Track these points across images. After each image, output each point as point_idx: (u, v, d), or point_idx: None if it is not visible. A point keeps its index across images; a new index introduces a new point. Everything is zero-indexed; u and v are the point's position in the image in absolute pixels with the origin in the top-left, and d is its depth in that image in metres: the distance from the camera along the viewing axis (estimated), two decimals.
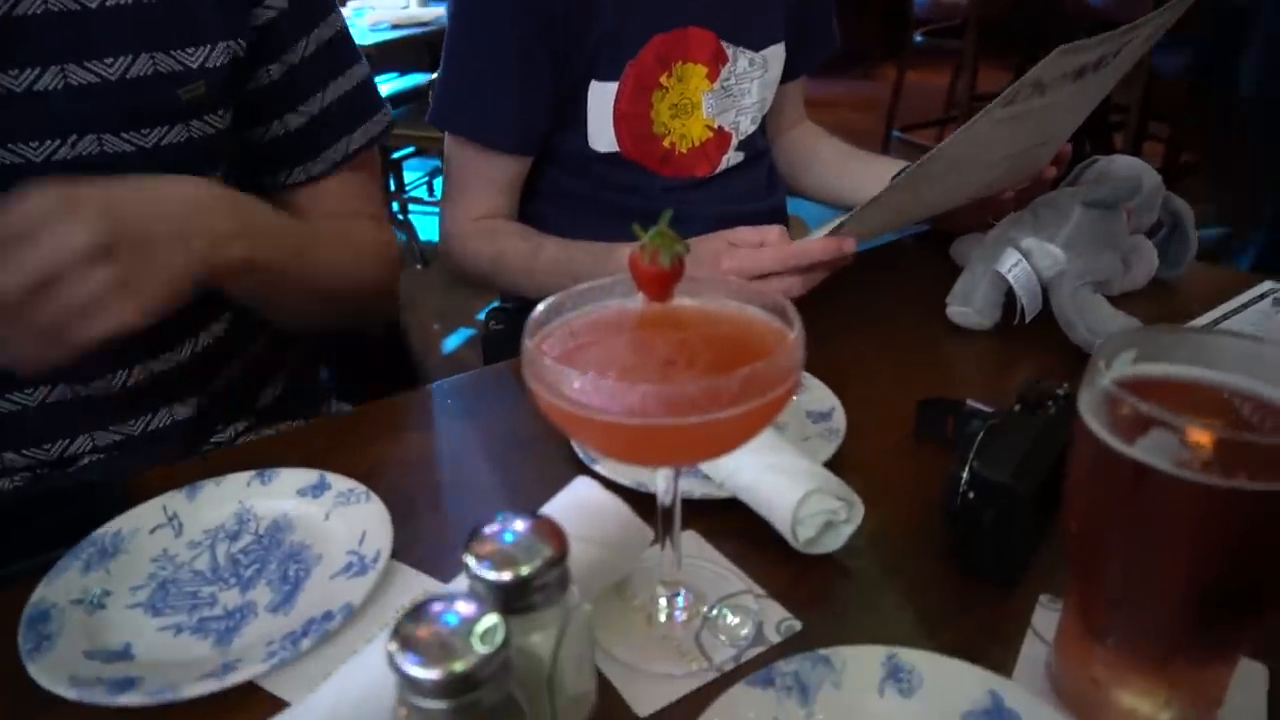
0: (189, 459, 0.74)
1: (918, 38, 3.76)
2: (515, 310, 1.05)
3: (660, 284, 0.44)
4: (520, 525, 0.39)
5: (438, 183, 3.71)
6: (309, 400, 0.88)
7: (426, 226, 3.43)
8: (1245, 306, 0.80)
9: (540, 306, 0.44)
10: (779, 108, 1.08)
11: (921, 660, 0.42)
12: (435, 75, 1.10)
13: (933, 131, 3.95)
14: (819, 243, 0.71)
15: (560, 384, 0.38)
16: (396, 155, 3.52)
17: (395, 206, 3.43)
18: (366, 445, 0.66)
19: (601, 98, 0.92)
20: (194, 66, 0.66)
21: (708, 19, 0.93)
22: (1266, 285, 0.83)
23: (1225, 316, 0.79)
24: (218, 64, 0.67)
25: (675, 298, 0.45)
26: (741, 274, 0.72)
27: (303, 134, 0.76)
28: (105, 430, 0.71)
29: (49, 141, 0.61)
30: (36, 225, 0.50)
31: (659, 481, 0.45)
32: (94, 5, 0.61)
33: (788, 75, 1.06)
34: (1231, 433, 0.34)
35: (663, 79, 0.93)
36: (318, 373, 0.93)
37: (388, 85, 3.48)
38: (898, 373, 0.74)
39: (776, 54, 1.02)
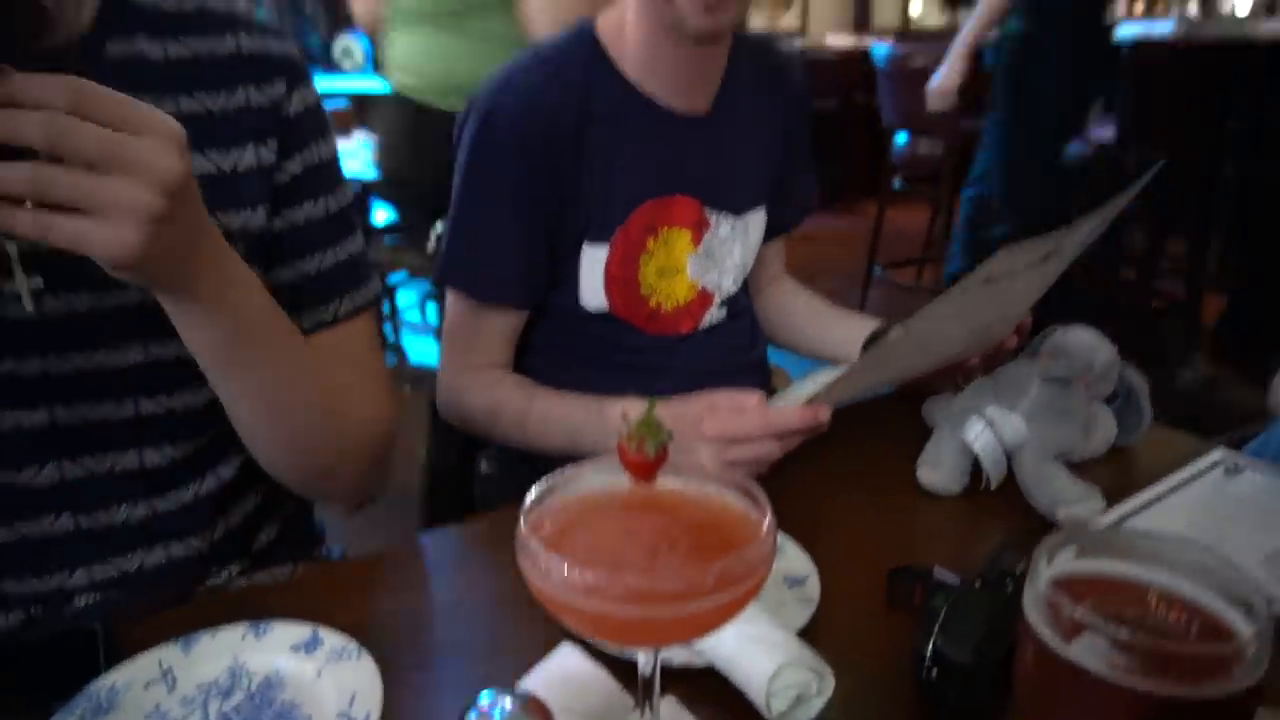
0: (184, 599, 0.76)
1: (896, 183, 3.96)
2: (508, 455, 1.09)
3: (645, 470, 0.49)
4: (509, 703, 0.41)
5: (430, 306, 3.80)
6: (303, 544, 0.91)
7: (417, 349, 3.50)
8: (1198, 476, 0.85)
9: (534, 491, 0.47)
10: (759, 265, 1.15)
11: None
12: (440, 232, 1.17)
13: (912, 269, 4.11)
14: (796, 412, 0.76)
15: (550, 571, 0.42)
16: (391, 280, 3.62)
17: (388, 329, 3.51)
18: (359, 596, 0.68)
19: (593, 260, 0.98)
20: (235, 229, 0.71)
21: (692, 187, 1.01)
22: (1217, 454, 0.88)
23: (1180, 485, 0.83)
24: (256, 225, 0.73)
25: (659, 479, 0.49)
26: (721, 438, 0.77)
27: (290, 289, 0.76)
28: (104, 563, 0.73)
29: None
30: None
31: (640, 655, 0.48)
32: None
33: (768, 235, 1.14)
34: (1158, 639, 0.38)
35: (650, 243, 1.00)
36: (312, 516, 0.95)
37: (383, 213, 3.62)
38: (871, 535, 0.77)
39: (757, 218, 1.09)
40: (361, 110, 4.14)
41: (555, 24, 1.77)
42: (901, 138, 3.84)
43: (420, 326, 3.81)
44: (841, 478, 0.86)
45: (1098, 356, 0.88)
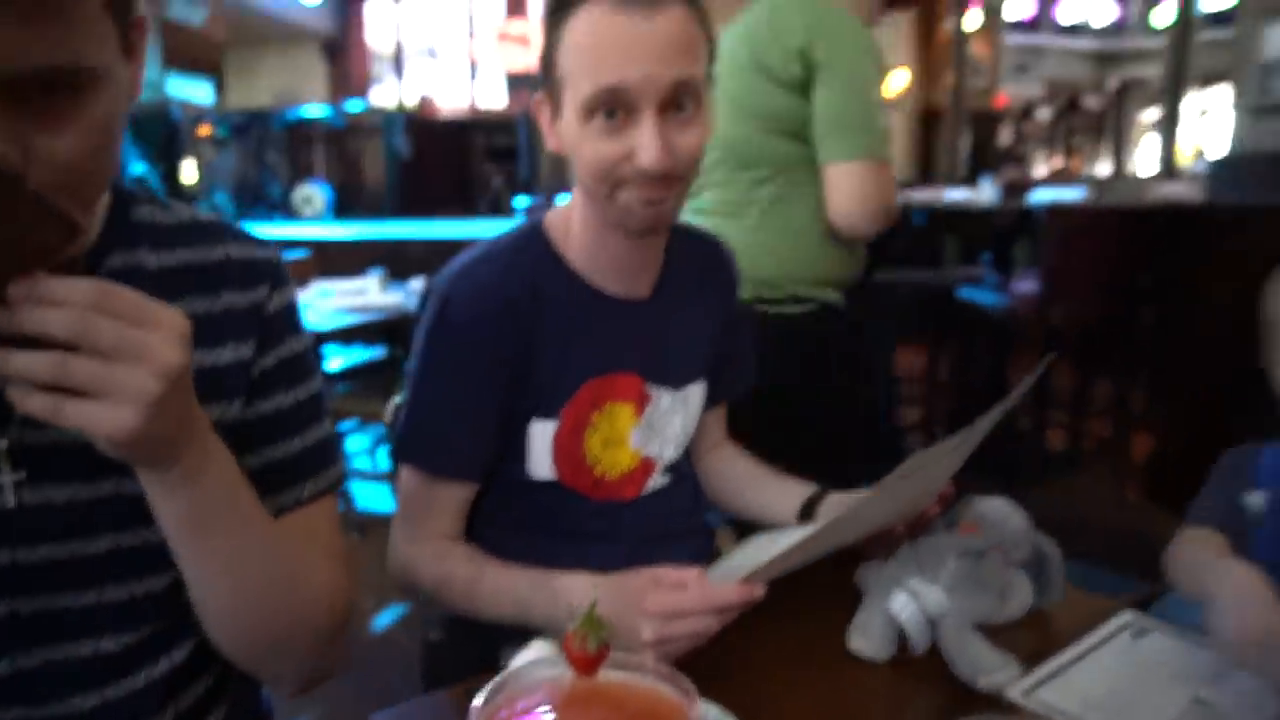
0: None
1: None
2: (457, 622, 1.11)
3: (588, 665, 0.54)
4: None
5: (381, 452, 3.81)
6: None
7: (366, 496, 3.48)
8: (1108, 639, 0.91)
9: (482, 695, 0.51)
10: (700, 433, 1.22)
11: None
12: (398, 402, 1.22)
13: None
14: (734, 590, 0.81)
15: None
16: (341, 427, 3.64)
17: None
18: None
19: (542, 434, 1.05)
20: (214, 419, 0.71)
21: (634, 365, 1.09)
22: (1126, 617, 0.95)
23: (1091, 649, 0.89)
24: (232, 416, 0.78)
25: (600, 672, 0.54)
26: (662, 614, 0.81)
27: (259, 474, 0.78)
28: None
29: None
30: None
31: None
32: None
33: (709, 405, 1.21)
34: None
35: (594, 417, 1.07)
36: (260, 693, 0.96)
37: (339, 359, 3.67)
38: (807, 704, 0.81)
39: (697, 390, 1.17)
40: (321, 259, 4.25)
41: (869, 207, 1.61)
42: None
43: (370, 473, 3.80)
44: (778, 646, 0.90)
45: (1010, 525, 0.95)
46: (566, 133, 0.98)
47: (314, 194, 8.01)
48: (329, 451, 0.86)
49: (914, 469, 0.78)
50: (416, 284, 3.50)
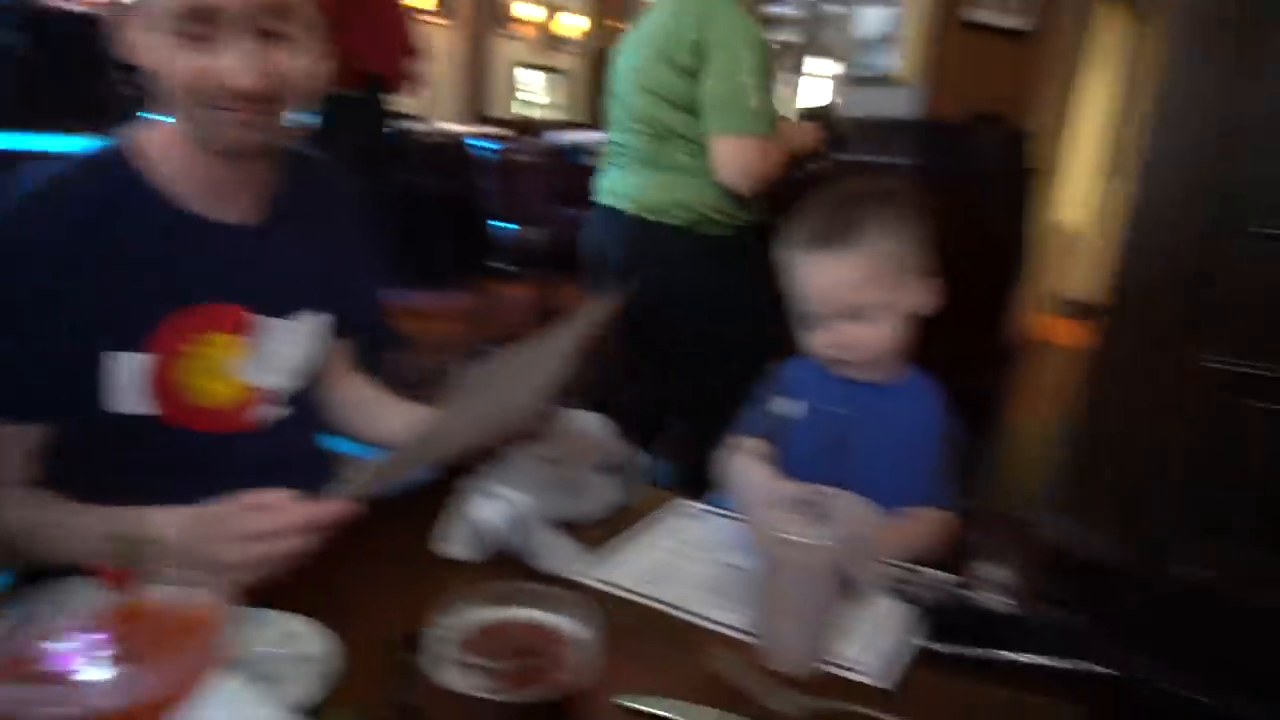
0: None
1: (503, 266, 4.24)
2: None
3: (119, 580, 0.56)
4: None
5: None
6: None
7: None
8: (658, 523, 1.08)
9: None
10: (328, 364, 1.23)
11: None
12: None
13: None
14: (326, 507, 0.85)
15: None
16: None
17: None
18: None
19: (127, 366, 0.99)
20: None
21: (233, 294, 1.06)
22: (674, 504, 1.13)
23: (644, 531, 1.06)
24: None
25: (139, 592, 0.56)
26: (243, 536, 0.83)
27: None
28: None
29: None
30: None
31: None
32: None
33: (340, 334, 1.22)
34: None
35: (188, 347, 1.03)
36: None
37: None
38: (393, 607, 0.88)
39: (314, 320, 1.17)
40: None
41: (744, 174, 1.99)
42: (508, 225, 4.14)
43: None
44: (371, 558, 0.95)
45: (593, 434, 1.09)
46: (148, 46, 0.93)
47: None
48: None
49: (479, 383, 0.86)
50: None
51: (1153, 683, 1.24)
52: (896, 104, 3.60)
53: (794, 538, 0.78)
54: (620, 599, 0.92)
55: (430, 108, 7.46)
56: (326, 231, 1.18)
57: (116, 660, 0.51)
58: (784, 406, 1.23)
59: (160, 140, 1.01)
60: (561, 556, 0.95)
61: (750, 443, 1.23)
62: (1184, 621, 1.30)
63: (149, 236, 0.99)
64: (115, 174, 0.99)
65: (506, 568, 0.95)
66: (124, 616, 0.55)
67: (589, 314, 1.00)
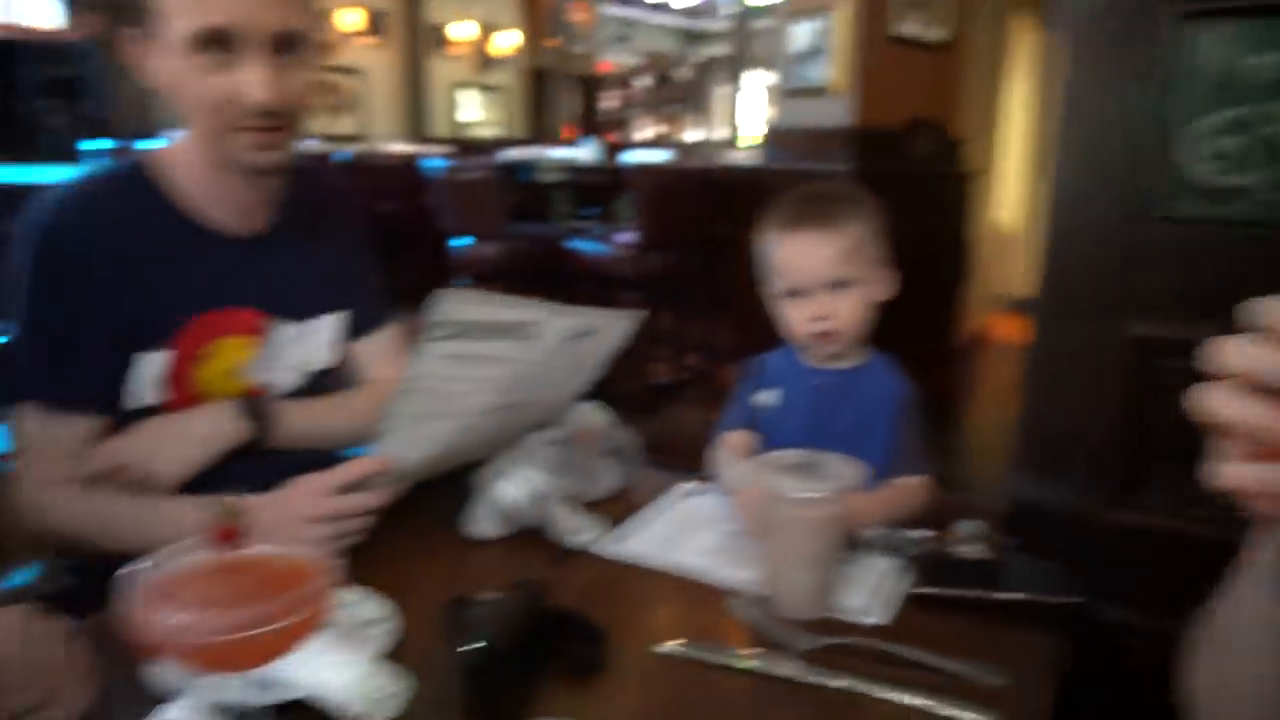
0: None
1: (465, 280, 4.29)
2: (89, 568, 1.08)
3: (226, 537, 0.62)
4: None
5: None
6: None
7: None
8: (668, 502, 1.17)
9: (129, 567, 0.58)
10: (356, 363, 1.29)
11: None
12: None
13: None
14: (364, 461, 0.94)
15: (161, 623, 0.53)
16: None
17: None
18: None
19: (151, 365, 1.06)
20: None
21: (248, 299, 1.12)
22: (684, 485, 1.22)
23: (656, 509, 1.14)
24: None
25: (241, 549, 0.63)
26: (315, 517, 0.92)
27: None
28: None
29: None
30: None
31: (247, 689, 0.61)
32: None
33: (354, 337, 1.27)
34: None
35: (204, 349, 1.09)
36: None
37: None
38: (436, 578, 0.95)
39: (328, 321, 1.22)
40: None
41: None
42: (462, 241, 4.19)
43: None
44: (406, 540, 1.03)
45: (593, 421, 1.17)
46: (166, 69, 0.99)
47: None
48: None
49: (443, 315, 0.93)
50: None
51: (1101, 610, 1.40)
52: (832, 113, 3.77)
53: (797, 495, 0.87)
54: (639, 568, 1.00)
55: (367, 128, 7.46)
56: (329, 236, 1.25)
57: (240, 600, 0.57)
58: (763, 397, 1.32)
59: (177, 157, 1.07)
60: (576, 528, 1.02)
61: (734, 435, 1.31)
62: (1127, 557, 1.47)
63: (169, 247, 1.05)
64: (136, 188, 1.05)
65: (528, 543, 1.03)
66: (237, 566, 0.62)
67: (620, 327, 1.09)
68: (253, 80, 0.97)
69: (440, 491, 1.05)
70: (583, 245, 4.06)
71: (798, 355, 1.31)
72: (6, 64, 7.42)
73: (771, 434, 1.31)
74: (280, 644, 0.58)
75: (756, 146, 5.76)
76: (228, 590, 0.59)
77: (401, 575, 0.93)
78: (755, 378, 1.35)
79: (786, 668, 0.80)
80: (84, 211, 1.01)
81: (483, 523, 1.02)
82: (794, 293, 1.26)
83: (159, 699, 0.71)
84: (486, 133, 8.48)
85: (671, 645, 0.83)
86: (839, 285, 1.22)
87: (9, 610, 0.70)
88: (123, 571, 0.57)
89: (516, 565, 1.01)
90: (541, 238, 4.16)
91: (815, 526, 0.88)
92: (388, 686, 0.71)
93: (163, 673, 0.73)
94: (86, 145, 5.94)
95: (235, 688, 0.69)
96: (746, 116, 7.14)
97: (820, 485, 0.88)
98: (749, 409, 1.33)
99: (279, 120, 1.01)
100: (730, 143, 6.35)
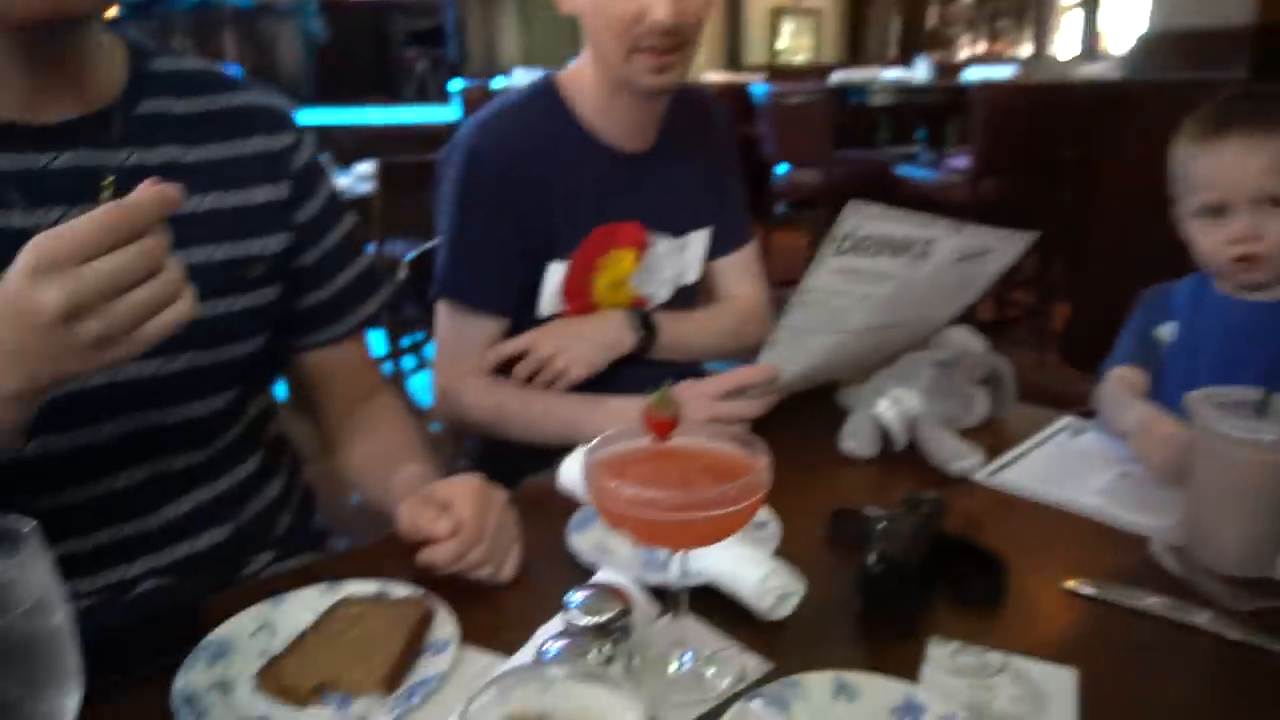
0: (234, 578, 0.89)
1: (781, 208, 4.28)
2: (485, 455, 1.24)
3: (664, 429, 0.66)
4: (591, 591, 0.57)
5: None
6: (312, 538, 1.03)
7: None
8: (1052, 435, 1.08)
9: (582, 451, 0.64)
10: (716, 278, 1.34)
11: (858, 679, 0.62)
12: (410, 259, 1.33)
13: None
14: (748, 370, 0.99)
15: (616, 492, 0.58)
16: None
17: None
18: (401, 564, 0.81)
19: (555, 275, 1.16)
20: (254, 253, 0.86)
21: (637, 213, 1.20)
22: (1066, 420, 1.12)
23: (1038, 444, 1.06)
24: (272, 250, 0.87)
25: (672, 439, 0.66)
26: (706, 394, 0.99)
27: (331, 304, 0.95)
28: (158, 554, 0.85)
29: None
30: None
31: (674, 568, 0.65)
32: (186, 212, 0.69)
33: (715, 254, 1.32)
34: None
35: (600, 261, 1.18)
36: (314, 517, 1.07)
37: None
38: (812, 491, 0.96)
39: (698, 237, 1.28)
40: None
41: None
42: (781, 168, 4.15)
43: None
44: (779, 455, 1.04)
45: (970, 346, 1.10)
46: None
47: None
48: (376, 271, 0.99)
49: (846, 229, 0.92)
50: (364, 167, 3.47)
51: None
52: (1223, 10, 3.20)
53: (1246, 436, 0.76)
54: (1026, 500, 0.94)
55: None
56: (704, 153, 1.28)
57: (688, 483, 0.61)
58: (1164, 331, 1.17)
59: (578, 79, 1.15)
60: (959, 454, 0.98)
61: (1125, 371, 1.18)
62: None
63: (575, 164, 1.14)
64: (548, 111, 1.14)
65: (902, 463, 1.01)
66: (675, 454, 0.66)
67: (1013, 249, 1.02)
68: (657, 1, 1.01)
69: (813, 406, 1.05)
70: (910, 170, 3.85)
71: (1212, 284, 1.15)
72: (383, 20, 8.46)
73: (1172, 372, 1.17)
74: (722, 529, 0.61)
75: (1115, 59, 5.09)
76: (674, 473, 0.63)
77: (777, 484, 0.95)
78: (1156, 308, 1.21)
79: (1221, 625, 0.71)
80: (502, 134, 1.12)
81: (857, 439, 1.01)
82: (1214, 210, 1.09)
83: (575, 568, 0.78)
84: (799, 59, 8.29)
85: (1077, 583, 0.78)
86: (1271, 202, 1.05)
87: (469, 478, 0.80)
88: (582, 451, 0.62)
89: (892, 485, 0.98)
90: (866, 163, 4.01)
91: (1269, 473, 0.76)
92: (790, 585, 0.72)
93: (579, 545, 0.81)
94: (451, 85, 6.65)
95: (656, 566, 0.74)
96: (1102, 26, 6.30)
97: (1274, 427, 0.76)
98: (1145, 343, 1.19)
99: (677, 39, 1.05)
100: (1081, 57, 5.66)
